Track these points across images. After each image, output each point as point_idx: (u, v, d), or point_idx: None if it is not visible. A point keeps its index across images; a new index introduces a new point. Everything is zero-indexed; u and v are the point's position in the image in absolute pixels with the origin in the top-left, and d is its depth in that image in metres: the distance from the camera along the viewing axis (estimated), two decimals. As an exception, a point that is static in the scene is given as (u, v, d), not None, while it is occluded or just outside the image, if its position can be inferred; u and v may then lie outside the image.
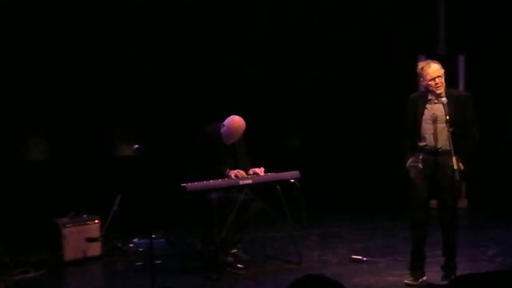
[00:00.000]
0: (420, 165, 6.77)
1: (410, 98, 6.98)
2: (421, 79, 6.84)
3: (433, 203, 6.99)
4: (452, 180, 6.58)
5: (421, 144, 6.81)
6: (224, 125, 7.79)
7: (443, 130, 6.68)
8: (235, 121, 7.79)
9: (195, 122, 8.51)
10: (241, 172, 7.69)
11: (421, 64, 6.87)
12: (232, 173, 7.65)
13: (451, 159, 6.52)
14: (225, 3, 10.59)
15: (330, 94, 11.23)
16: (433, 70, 6.76)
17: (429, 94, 6.81)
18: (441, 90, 6.75)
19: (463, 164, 6.67)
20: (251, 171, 7.79)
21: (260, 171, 7.78)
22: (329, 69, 11.19)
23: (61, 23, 9.64)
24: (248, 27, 10.76)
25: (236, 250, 7.88)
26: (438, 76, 6.74)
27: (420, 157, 6.79)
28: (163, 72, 10.31)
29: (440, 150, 6.73)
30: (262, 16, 10.86)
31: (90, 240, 8.16)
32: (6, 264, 7.62)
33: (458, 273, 6.74)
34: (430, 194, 6.88)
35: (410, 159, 6.87)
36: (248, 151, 8.03)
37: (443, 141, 6.69)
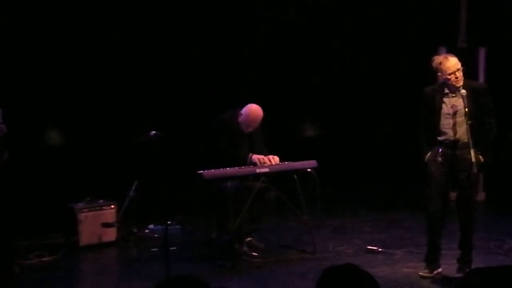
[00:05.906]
0: (440, 159, 6.72)
1: (425, 92, 6.89)
2: (439, 73, 6.74)
3: (453, 195, 6.96)
4: (470, 173, 6.56)
5: (441, 138, 6.75)
6: (242, 114, 7.77)
7: (462, 123, 6.63)
8: (253, 110, 7.75)
9: (213, 108, 8.49)
10: (264, 158, 7.66)
11: (438, 59, 6.78)
12: (255, 157, 7.64)
13: (470, 152, 6.50)
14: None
15: (350, 85, 11.18)
16: (453, 63, 6.69)
17: (446, 88, 6.75)
18: (461, 83, 6.69)
19: (483, 157, 6.65)
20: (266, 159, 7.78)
21: (274, 159, 7.74)
22: (349, 60, 11.14)
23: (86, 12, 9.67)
24: (263, 16, 10.71)
25: (251, 239, 7.88)
26: (458, 70, 6.68)
27: (440, 150, 6.74)
28: (182, 58, 10.29)
29: (459, 143, 6.68)
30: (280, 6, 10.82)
31: (106, 225, 8.20)
32: (21, 248, 7.67)
33: (473, 266, 6.72)
34: (449, 187, 6.84)
35: (429, 153, 6.81)
36: (266, 140, 8.01)
37: (462, 134, 6.64)
